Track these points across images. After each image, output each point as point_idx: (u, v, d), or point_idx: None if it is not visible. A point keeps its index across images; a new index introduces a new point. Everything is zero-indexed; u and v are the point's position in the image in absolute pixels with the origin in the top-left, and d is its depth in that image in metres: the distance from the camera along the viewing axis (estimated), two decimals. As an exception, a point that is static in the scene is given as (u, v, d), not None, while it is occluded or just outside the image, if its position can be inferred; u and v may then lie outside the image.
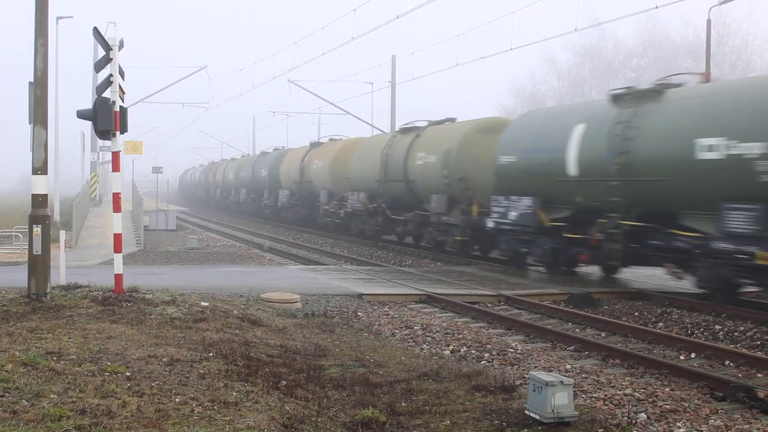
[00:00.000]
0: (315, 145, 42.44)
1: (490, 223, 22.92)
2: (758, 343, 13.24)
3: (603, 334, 14.04)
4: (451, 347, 12.14)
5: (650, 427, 8.01)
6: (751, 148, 14.71)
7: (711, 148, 15.55)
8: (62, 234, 16.53)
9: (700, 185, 15.89)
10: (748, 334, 13.73)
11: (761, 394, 9.32)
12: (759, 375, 11.10)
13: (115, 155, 14.30)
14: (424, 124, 29.42)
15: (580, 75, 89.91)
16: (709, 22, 38.72)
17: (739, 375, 11.07)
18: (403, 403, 8.17)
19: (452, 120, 28.78)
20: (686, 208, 16.46)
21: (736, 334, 13.86)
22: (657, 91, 17.82)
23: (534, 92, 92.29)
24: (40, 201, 12.88)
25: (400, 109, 50.82)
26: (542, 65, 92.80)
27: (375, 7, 33.77)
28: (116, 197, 14.22)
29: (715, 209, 15.47)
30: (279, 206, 46.87)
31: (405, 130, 30.35)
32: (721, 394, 9.79)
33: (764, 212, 14.48)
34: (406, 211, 29.34)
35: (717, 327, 14.33)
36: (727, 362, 11.77)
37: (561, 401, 7.60)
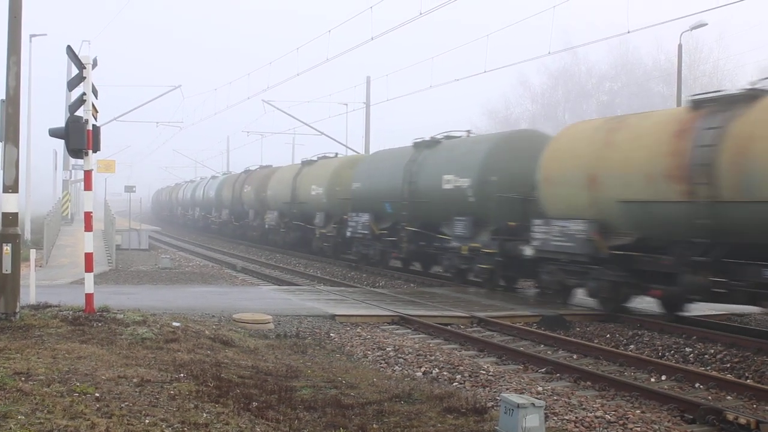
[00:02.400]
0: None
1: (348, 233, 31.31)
2: (728, 365, 13.34)
3: (575, 356, 14.09)
4: (423, 369, 12.13)
5: (621, 450, 8.04)
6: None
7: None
8: (33, 253, 16.37)
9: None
10: (718, 356, 13.83)
11: (730, 417, 9.38)
12: (728, 397, 11.19)
13: (88, 174, 14.21)
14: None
15: (553, 98, 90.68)
16: (680, 47, 39.22)
17: (709, 397, 11.14)
18: (374, 425, 8.14)
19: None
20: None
21: (706, 356, 13.96)
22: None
23: (507, 115, 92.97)
24: (10, 219, 12.77)
25: (374, 130, 51.06)
26: (516, 88, 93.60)
27: (350, 29, 33.91)
28: (88, 216, 14.12)
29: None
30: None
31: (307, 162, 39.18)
32: (691, 417, 9.85)
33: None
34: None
35: (687, 349, 14.43)
36: (697, 385, 11.84)
37: (532, 423, 7.61)
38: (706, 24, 38.68)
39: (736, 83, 72.74)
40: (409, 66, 42.01)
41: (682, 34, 38.88)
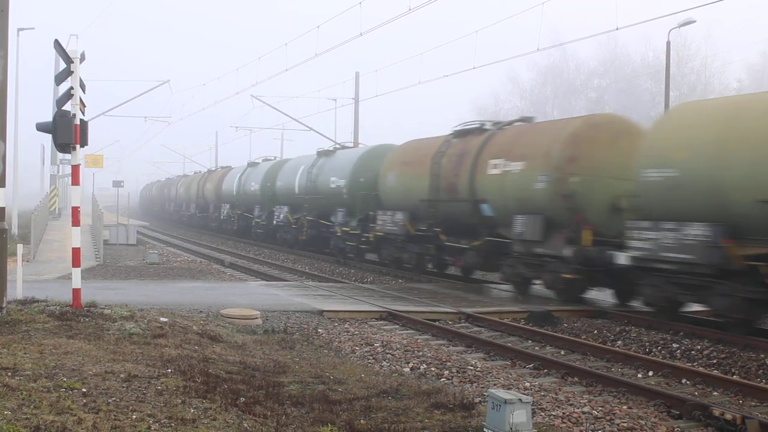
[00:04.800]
0: None
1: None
2: (714, 361, 13.40)
3: (562, 352, 14.13)
4: (411, 364, 12.14)
5: (607, 445, 8.06)
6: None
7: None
8: (20, 247, 16.31)
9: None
10: (705, 352, 13.89)
11: (717, 412, 9.43)
12: (715, 393, 11.24)
13: (75, 169, 14.16)
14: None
15: (542, 94, 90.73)
16: (668, 44, 39.31)
17: (696, 393, 11.19)
18: (362, 421, 8.15)
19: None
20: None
21: (693, 352, 14.01)
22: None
23: (497, 111, 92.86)
24: (-3, 214, 12.70)
25: (363, 125, 50.91)
26: (505, 84, 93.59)
27: (339, 24, 33.86)
28: (75, 211, 14.08)
29: None
30: None
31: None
32: (678, 413, 9.90)
33: None
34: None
35: (674, 345, 14.48)
36: (684, 380, 11.90)
37: (519, 419, 7.62)
38: (695, 21, 38.80)
39: (723, 80, 73.07)
40: (398, 62, 41.89)
41: (670, 31, 38.96)
